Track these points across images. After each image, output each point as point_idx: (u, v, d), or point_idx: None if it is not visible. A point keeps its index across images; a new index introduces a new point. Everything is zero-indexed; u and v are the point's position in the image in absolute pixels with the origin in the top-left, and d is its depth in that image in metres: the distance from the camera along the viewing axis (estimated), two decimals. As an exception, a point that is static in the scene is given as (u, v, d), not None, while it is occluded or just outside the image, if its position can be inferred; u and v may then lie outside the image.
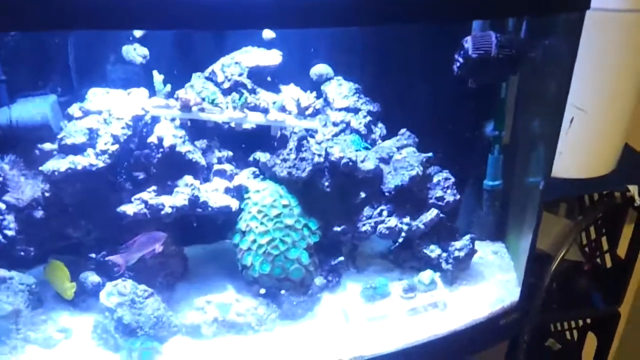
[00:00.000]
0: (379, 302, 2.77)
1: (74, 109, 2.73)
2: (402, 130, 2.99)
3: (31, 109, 2.71)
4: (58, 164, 2.59)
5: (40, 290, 2.73)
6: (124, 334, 2.58)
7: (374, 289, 2.76)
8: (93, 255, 2.80)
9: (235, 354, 2.58)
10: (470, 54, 2.60)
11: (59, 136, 2.66)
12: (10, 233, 2.69)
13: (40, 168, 2.61)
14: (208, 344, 2.64)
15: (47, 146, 2.72)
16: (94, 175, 2.65)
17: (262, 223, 2.71)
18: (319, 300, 2.85)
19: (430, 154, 2.90)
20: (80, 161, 2.61)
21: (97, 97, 2.76)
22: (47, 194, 2.70)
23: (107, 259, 2.67)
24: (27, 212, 2.69)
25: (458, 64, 2.68)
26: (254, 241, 2.71)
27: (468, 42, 2.62)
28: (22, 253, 2.73)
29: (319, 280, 2.83)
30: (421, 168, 2.85)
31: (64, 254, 2.83)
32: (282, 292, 2.70)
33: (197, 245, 3.18)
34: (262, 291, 2.71)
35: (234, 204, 2.75)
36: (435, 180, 2.91)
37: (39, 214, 2.72)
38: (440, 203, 2.88)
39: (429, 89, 2.93)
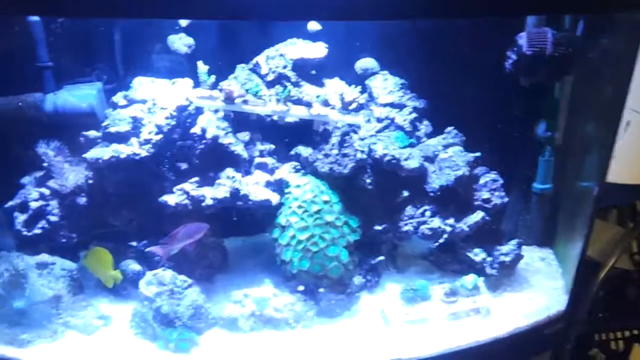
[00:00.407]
0: (419, 304, 2.69)
1: (119, 98, 2.75)
2: (449, 128, 2.90)
3: (77, 96, 2.75)
4: (102, 152, 2.61)
5: (81, 276, 2.75)
6: (161, 323, 2.58)
7: (415, 291, 2.69)
8: (134, 243, 2.82)
9: (271, 349, 2.55)
10: (525, 50, 2.50)
11: (103, 124, 2.68)
12: (53, 219, 2.72)
13: (84, 155, 2.63)
14: (244, 338, 2.62)
15: (92, 134, 2.75)
16: (137, 165, 2.67)
17: (302, 219, 2.67)
18: (357, 300, 2.79)
19: (478, 154, 2.80)
20: (124, 150, 2.63)
21: (142, 86, 2.77)
22: (90, 182, 2.73)
23: (147, 250, 2.67)
24: (70, 199, 2.73)
25: (511, 61, 2.59)
26: (294, 237, 2.67)
27: (522, 39, 2.53)
28: (65, 239, 2.76)
29: (357, 279, 2.78)
30: (468, 168, 2.76)
31: (105, 241, 2.86)
32: (321, 290, 2.66)
33: (236, 238, 3.18)
34: (301, 288, 2.67)
35: (275, 198, 2.72)
36: (482, 181, 2.81)
37: (82, 201, 2.75)
38: (486, 205, 2.78)
39: (478, 86, 2.84)
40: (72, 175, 2.71)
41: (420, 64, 2.95)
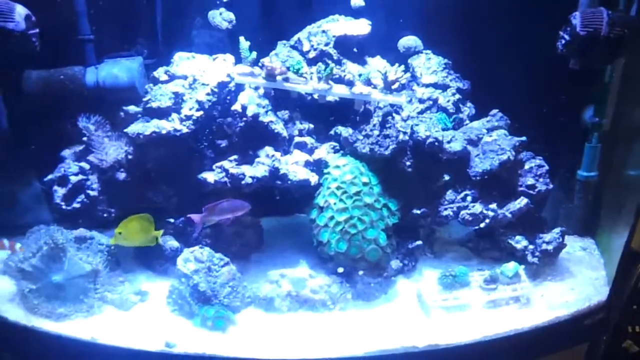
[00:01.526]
0: (458, 291, 2.64)
1: (160, 73, 2.72)
2: (494, 111, 2.83)
3: (118, 71, 2.73)
4: (143, 127, 2.60)
5: (119, 251, 2.76)
6: (198, 301, 2.58)
7: (454, 277, 2.64)
8: (172, 220, 2.81)
9: (307, 330, 2.53)
10: (578, 30, 2.39)
11: (144, 99, 2.66)
12: (92, 194, 2.72)
13: (125, 130, 2.61)
14: (281, 319, 2.60)
15: (133, 109, 2.74)
16: (177, 141, 2.65)
17: (341, 200, 2.63)
18: (393, 284, 2.76)
19: (523, 138, 2.72)
20: (165, 126, 2.61)
21: (182, 61, 2.74)
22: (130, 157, 2.72)
23: (186, 216, 2.64)
24: (110, 174, 2.72)
25: (563, 42, 2.48)
26: (332, 218, 2.63)
27: (576, 18, 2.42)
28: (104, 214, 2.77)
29: (395, 263, 2.74)
30: (513, 153, 2.69)
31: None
32: (360, 272, 2.62)
33: (273, 217, 3.16)
34: (340, 270, 2.64)
35: (313, 178, 2.68)
36: (527, 167, 2.74)
37: (122, 176, 2.74)
38: (531, 192, 2.71)
39: (525, 68, 2.75)
40: (112, 150, 2.71)
41: (466, 43, 2.87)
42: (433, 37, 2.89)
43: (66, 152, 2.78)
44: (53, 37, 2.67)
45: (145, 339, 2.41)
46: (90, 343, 2.40)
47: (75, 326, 2.48)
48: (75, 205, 2.71)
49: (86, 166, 2.72)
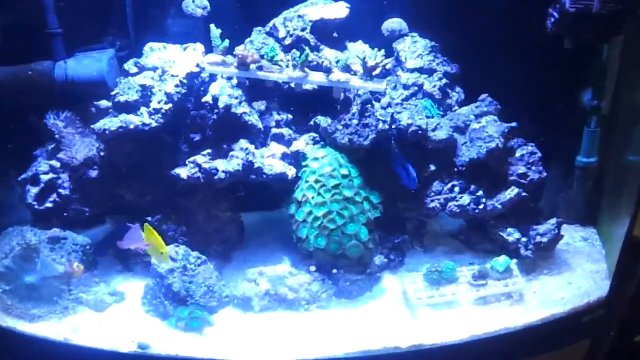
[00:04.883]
0: (445, 287, 2.51)
1: (130, 65, 2.62)
2: (483, 96, 2.66)
3: (87, 64, 2.62)
4: (110, 123, 2.50)
5: (95, 252, 2.69)
6: (173, 301, 2.50)
7: (439, 273, 2.50)
8: (149, 218, 2.72)
9: (286, 330, 2.43)
10: (568, 7, 2.23)
11: (112, 93, 2.56)
12: (64, 192, 2.64)
13: (91, 126, 2.52)
14: (258, 318, 2.51)
15: (104, 103, 2.64)
16: (147, 136, 2.54)
17: (319, 194, 2.51)
18: (378, 280, 2.63)
19: (513, 124, 2.56)
20: (133, 120, 2.50)
21: (153, 52, 2.63)
22: (102, 154, 2.63)
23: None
24: (81, 172, 2.63)
25: (552, 20, 2.33)
26: (310, 213, 2.51)
27: (565, -6, 2.25)
28: (77, 213, 2.68)
29: (378, 259, 2.61)
30: (502, 140, 2.53)
31: (120, 215, 2.78)
32: (334, 271, 2.50)
33: (256, 212, 3.04)
34: (312, 268, 2.53)
35: (291, 171, 2.56)
36: (518, 154, 2.57)
37: (94, 173, 2.65)
38: (522, 181, 2.55)
39: (516, 49, 2.58)
40: (83, 147, 2.62)
41: (453, 24, 2.71)
42: (419, 19, 2.73)
43: (38, 151, 2.70)
44: (21, 31, 2.59)
45: (118, 340, 2.34)
46: (64, 344, 2.34)
47: (49, 327, 2.42)
48: (48, 204, 2.64)
49: (57, 164, 2.63)
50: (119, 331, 2.41)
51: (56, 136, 2.62)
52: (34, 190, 2.63)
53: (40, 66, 2.61)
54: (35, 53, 2.61)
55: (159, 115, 2.51)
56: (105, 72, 2.62)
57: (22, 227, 2.64)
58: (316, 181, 2.52)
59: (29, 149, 2.74)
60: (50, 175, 2.63)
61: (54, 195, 2.64)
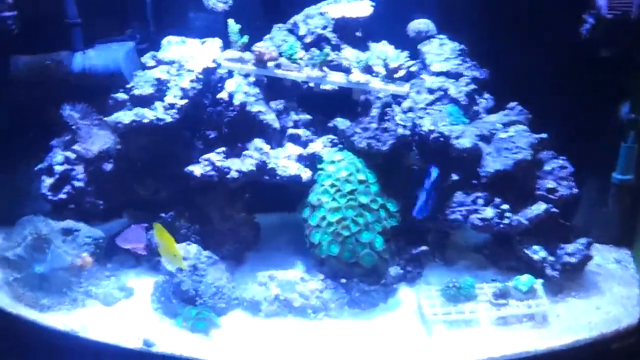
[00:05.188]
0: (463, 304, 2.37)
1: (148, 58, 2.59)
2: (512, 104, 2.53)
3: (105, 56, 2.60)
4: (124, 116, 2.46)
5: (111, 245, 2.64)
6: (182, 300, 2.44)
7: (457, 289, 2.37)
8: (162, 214, 2.68)
9: (294, 338, 2.34)
10: (604, 13, 2.08)
11: (127, 86, 2.53)
12: (78, 184, 2.62)
13: (105, 119, 2.49)
14: (267, 324, 2.42)
15: (121, 96, 2.60)
16: (162, 131, 2.50)
17: (334, 199, 2.41)
18: (393, 292, 2.51)
19: (544, 135, 2.42)
20: (147, 114, 2.46)
21: (171, 45, 2.59)
22: (118, 147, 2.60)
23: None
24: (96, 165, 2.61)
25: (587, 26, 2.18)
26: (324, 218, 2.42)
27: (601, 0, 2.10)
28: (91, 206, 2.66)
29: (394, 270, 2.49)
30: (531, 151, 2.39)
31: (135, 210, 2.75)
32: (343, 280, 2.39)
33: (274, 214, 2.97)
34: (321, 277, 2.43)
35: (306, 174, 2.47)
36: (547, 167, 2.42)
37: (109, 167, 2.62)
38: (551, 196, 2.40)
39: (549, 57, 2.45)
40: (98, 140, 2.59)
41: (484, 28, 2.61)
42: (448, 21, 2.61)
43: (55, 141, 2.69)
44: (42, 21, 2.58)
45: (125, 336, 2.31)
46: (71, 335, 2.33)
47: (57, 318, 2.41)
48: (62, 195, 2.62)
49: (72, 156, 2.61)
50: (126, 327, 2.38)
51: (72, 127, 2.60)
52: (48, 180, 2.62)
53: (59, 57, 2.61)
54: (54, 43, 2.61)
55: (174, 110, 2.47)
56: (123, 64, 2.59)
57: (35, 216, 2.65)
58: (332, 185, 2.44)
59: (48, 138, 2.73)
60: (65, 167, 2.61)
61: (68, 187, 2.62)
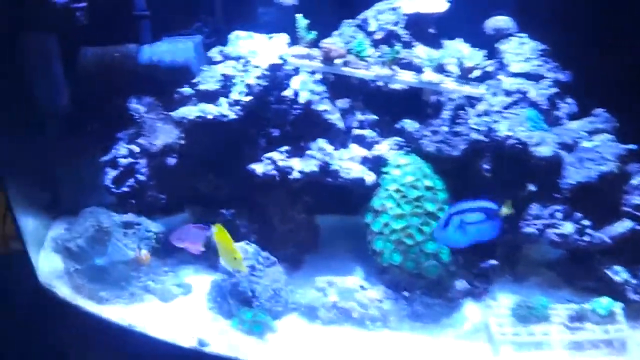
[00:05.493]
0: (534, 325, 2.20)
1: (214, 53, 2.55)
2: (598, 111, 2.34)
3: (173, 49, 2.58)
4: (188, 111, 2.44)
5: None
6: (238, 301, 2.39)
7: (529, 309, 2.21)
8: (223, 211, 2.64)
9: (350, 349, 2.25)
10: None
11: (193, 81, 2.50)
12: (141, 178, 2.61)
13: (170, 113, 2.47)
14: (323, 331, 2.34)
15: (187, 90, 2.58)
16: (226, 127, 2.46)
17: (398, 205, 2.30)
18: (458, 307, 2.38)
19: (633, 146, 2.23)
20: (211, 110, 2.43)
21: (239, 40, 2.54)
22: (182, 142, 2.58)
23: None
24: (159, 159, 2.59)
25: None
26: (387, 225, 2.32)
27: None
28: (153, 200, 2.65)
29: (460, 284, 2.35)
30: (618, 163, 2.21)
31: (195, 206, 2.73)
32: (405, 294, 2.27)
33: (336, 216, 2.87)
34: (381, 286, 2.32)
35: (370, 177, 2.37)
36: (635, 182, 2.23)
37: (173, 161, 2.60)
38: (638, 213, 2.20)
39: (640, 60, 2.23)
40: (163, 134, 2.58)
41: (569, 26, 2.41)
42: (529, 19, 2.44)
43: (122, 133, 2.70)
44: (110, 13, 2.59)
45: (179, 334, 2.31)
46: (128, 330, 2.35)
47: (115, 311, 2.43)
48: (125, 188, 2.62)
49: (136, 149, 2.61)
50: (182, 324, 2.36)
51: (137, 120, 2.60)
52: (112, 173, 2.63)
53: (126, 49, 2.61)
54: (122, 35, 2.61)
55: (239, 107, 2.42)
56: (191, 58, 2.57)
57: (98, 208, 2.67)
58: (397, 191, 2.32)
59: (114, 130, 2.74)
60: (129, 160, 2.61)
61: (132, 180, 2.62)
